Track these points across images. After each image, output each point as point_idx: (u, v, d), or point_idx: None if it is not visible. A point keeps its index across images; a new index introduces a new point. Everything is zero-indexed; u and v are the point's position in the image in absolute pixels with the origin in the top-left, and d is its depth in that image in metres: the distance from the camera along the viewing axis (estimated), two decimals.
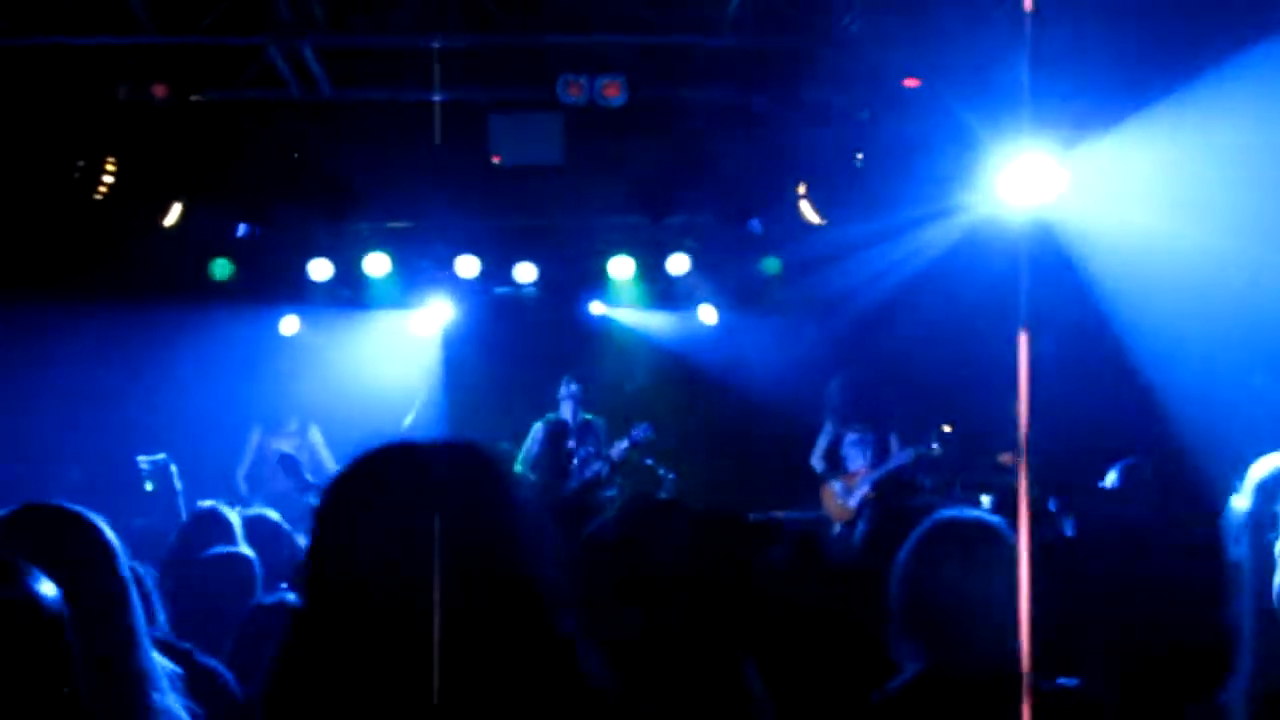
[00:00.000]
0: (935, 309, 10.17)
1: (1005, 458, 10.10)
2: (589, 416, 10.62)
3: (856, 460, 9.91)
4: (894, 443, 9.84)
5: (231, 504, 9.70)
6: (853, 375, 9.94)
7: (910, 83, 8.34)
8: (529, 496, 1.90)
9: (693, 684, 3.71)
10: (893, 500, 8.64)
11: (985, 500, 9.01)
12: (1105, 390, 9.06)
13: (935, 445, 9.87)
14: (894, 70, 8.50)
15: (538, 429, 10.50)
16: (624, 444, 10.12)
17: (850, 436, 9.90)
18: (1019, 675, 2.81)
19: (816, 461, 10.07)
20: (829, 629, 4.45)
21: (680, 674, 3.76)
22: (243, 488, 10.05)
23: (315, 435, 10.30)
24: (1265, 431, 3.72)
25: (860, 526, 7.78)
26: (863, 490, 9.75)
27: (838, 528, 9.44)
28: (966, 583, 2.94)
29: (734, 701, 3.74)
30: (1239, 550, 2.95)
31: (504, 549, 1.77)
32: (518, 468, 10.79)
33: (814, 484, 10.10)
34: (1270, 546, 2.12)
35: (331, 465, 10.16)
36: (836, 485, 9.93)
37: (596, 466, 10.25)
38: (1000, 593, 2.86)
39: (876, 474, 9.75)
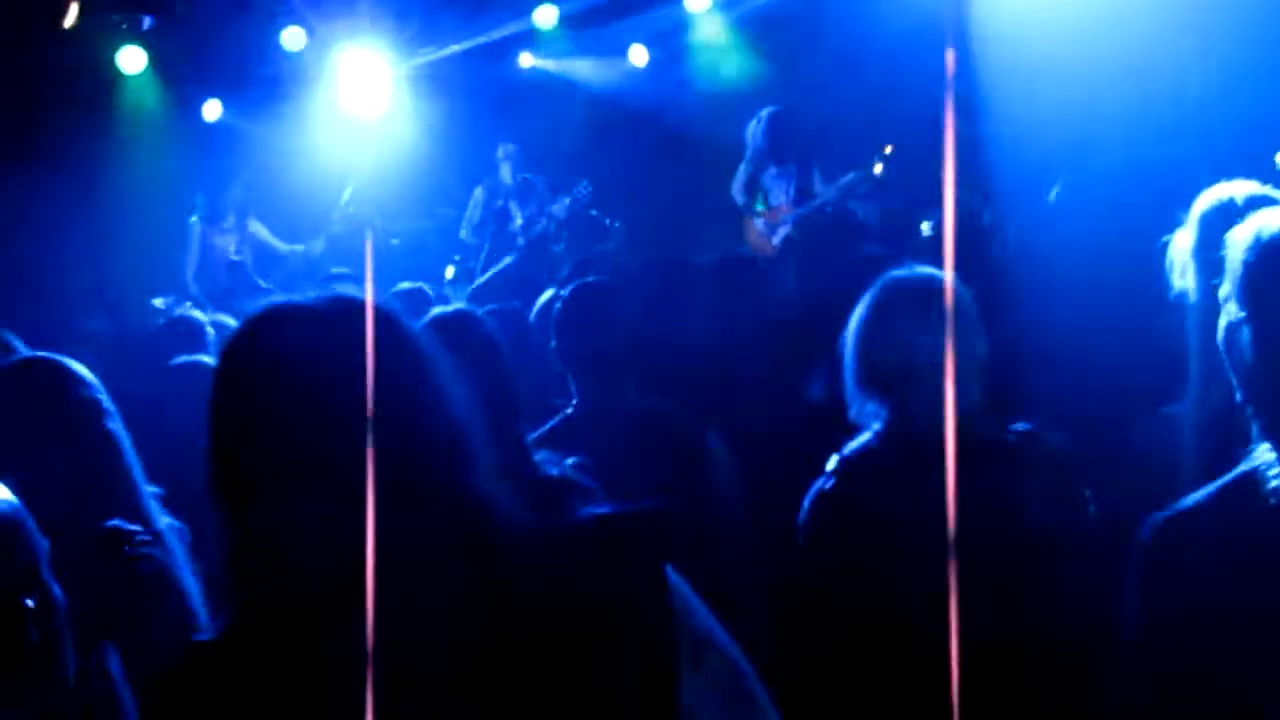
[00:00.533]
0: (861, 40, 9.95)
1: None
2: (527, 176, 10.55)
3: (778, 194, 9.70)
4: (816, 178, 9.63)
5: (181, 303, 9.87)
6: (775, 114, 9.67)
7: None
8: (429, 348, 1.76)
9: (658, 453, 3.83)
10: (817, 244, 8.52)
11: (925, 226, 9.02)
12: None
13: (879, 165, 9.78)
14: None
15: (477, 193, 10.46)
16: (566, 201, 10.13)
17: (771, 170, 9.67)
18: (975, 427, 2.96)
19: (737, 194, 9.84)
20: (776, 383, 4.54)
21: (644, 446, 3.87)
22: (193, 288, 9.87)
23: (257, 228, 10.12)
24: None
25: (788, 270, 7.88)
26: (785, 227, 9.58)
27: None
28: (922, 343, 3.00)
29: (696, 470, 3.85)
30: (1183, 283, 3.01)
31: (416, 416, 1.69)
32: (462, 233, 10.77)
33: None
34: (1215, 289, 2.17)
35: (282, 250, 10.08)
36: (759, 221, 9.75)
37: (541, 224, 10.26)
38: (956, 348, 2.93)
39: (800, 210, 9.53)
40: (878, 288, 3.14)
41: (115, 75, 10.64)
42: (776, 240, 9.56)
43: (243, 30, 10.77)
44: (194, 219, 9.98)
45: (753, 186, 9.79)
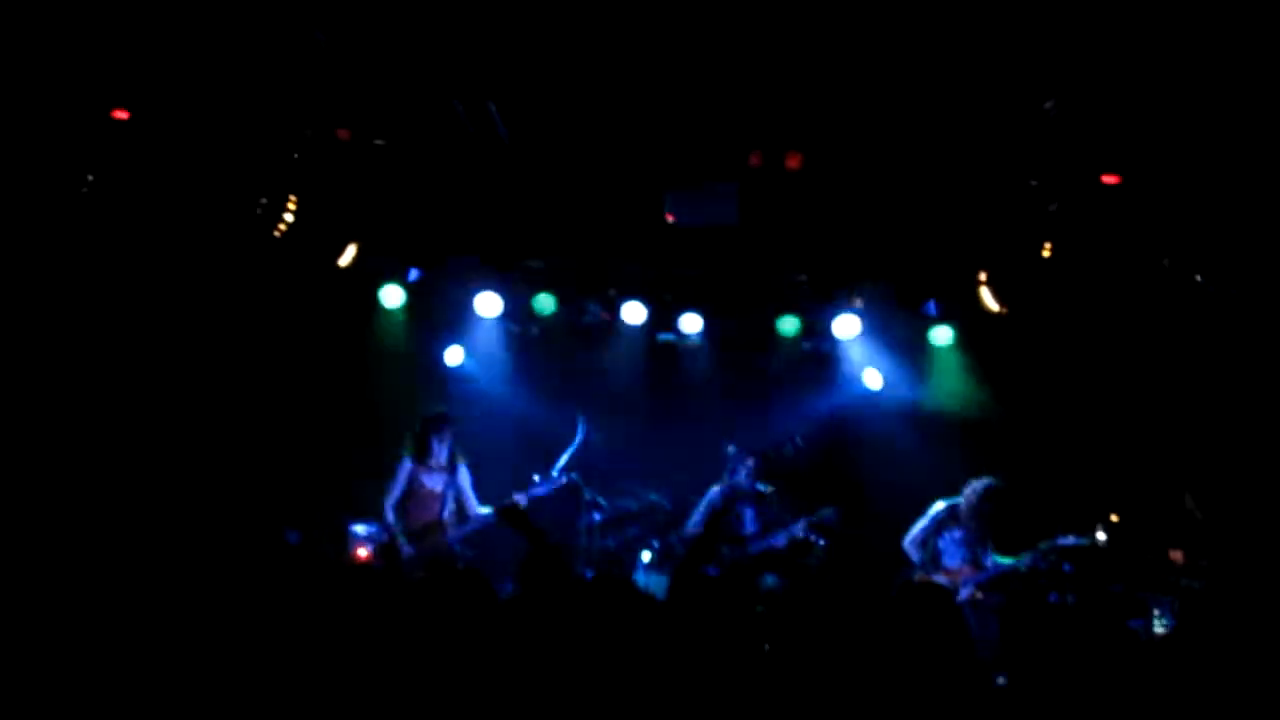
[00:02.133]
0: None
1: (1176, 555, 9.79)
2: (763, 487, 10.49)
3: (954, 557, 9.87)
4: (989, 550, 9.80)
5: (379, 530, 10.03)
6: (993, 489, 9.76)
7: (1109, 179, 7.94)
8: None
9: None
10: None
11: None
12: None
13: (1101, 534, 9.65)
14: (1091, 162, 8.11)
15: (714, 493, 10.45)
16: (804, 523, 10.20)
17: (955, 532, 9.86)
18: None
19: (912, 548, 10.00)
20: None
21: None
22: (389, 516, 10.02)
23: (464, 477, 10.19)
24: None
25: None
26: (967, 592, 9.66)
27: None
28: None
29: None
30: None
31: None
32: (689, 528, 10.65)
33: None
34: None
35: (474, 508, 10.08)
36: (939, 578, 9.79)
37: (780, 537, 10.17)
38: None
39: (981, 576, 9.72)
40: None
41: (375, 309, 11.17)
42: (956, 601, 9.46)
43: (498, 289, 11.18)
44: (406, 455, 10.08)
45: (927, 544, 9.92)
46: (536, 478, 10.11)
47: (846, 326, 11.28)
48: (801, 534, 10.12)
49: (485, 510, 10.01)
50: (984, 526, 9.77)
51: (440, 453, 10.08)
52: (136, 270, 9.79)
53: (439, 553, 9.90)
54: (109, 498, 9.50)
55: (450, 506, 10.07)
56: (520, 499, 9.60)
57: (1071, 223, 8.63)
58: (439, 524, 9.97)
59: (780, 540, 10.14)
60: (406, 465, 10.04)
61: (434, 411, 10.19)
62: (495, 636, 4.59)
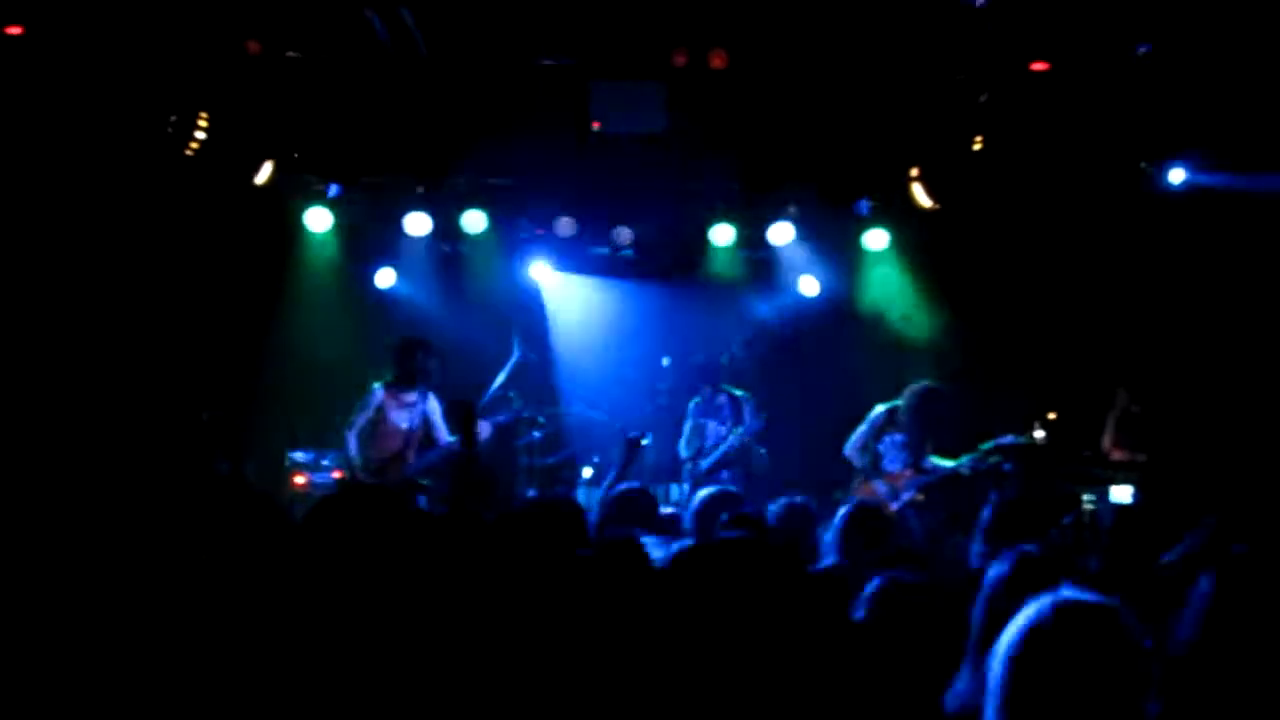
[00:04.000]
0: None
1: (1116, 452, 9.88)
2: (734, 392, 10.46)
3: (895, 460, 9.91)
4: (927, 449, 9.82)
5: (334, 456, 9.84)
6: (930, 391, 9.76)
7: (1038, 66, 7.82)
8: None
9: None
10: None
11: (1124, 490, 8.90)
12: None
13: (1040, 433, 9.71)
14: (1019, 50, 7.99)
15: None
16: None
17: (895, 436, 9.88)
18: None
19: (854, 453, 10.02)
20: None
21: None
22: (351, 444, 9.67)
23: (433, 407, 9.82)
24: None
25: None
26: (908, 494, 9.74)
27: None
28: (1077, 678, 2.67)
29: None
30: None
31: None
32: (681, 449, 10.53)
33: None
34: None
35: (444, 438, 9.77)
36: (880, 484, 9.84)
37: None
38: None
39: (923, 479, 9.75)
40: (1047, 609, 2.79)
41: (299, 233, 10.91)
42: (896, 505, 9.64)
43: (427, 208, 10.95)
44: (378, 383, 9.62)
45: (868, 449, 9.92)
46: (501, 415, 10.00)
47: (781, 233, 11.18)
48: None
49: (453, 438, 9.60)
50: (923, 429, 9.77)
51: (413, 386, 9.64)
52: (43, 197, 9.44)
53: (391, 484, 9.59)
54: (35, 430, 9.27)
55: (415, 439, 9.73)
56: (484, 426, 9.34)
57: (1002, 114, 8.52)
58: (401, 456, 9.61)
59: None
60: (378, 394, 9.51)
61: (416, 337, 9.77)
62: (418, 555, 4.44)
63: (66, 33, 8.11)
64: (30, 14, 8.02)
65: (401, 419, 9.56)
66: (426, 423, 9.70)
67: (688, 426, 10.45)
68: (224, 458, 9.16)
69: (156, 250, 10.06)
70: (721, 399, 10.39)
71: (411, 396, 9.57)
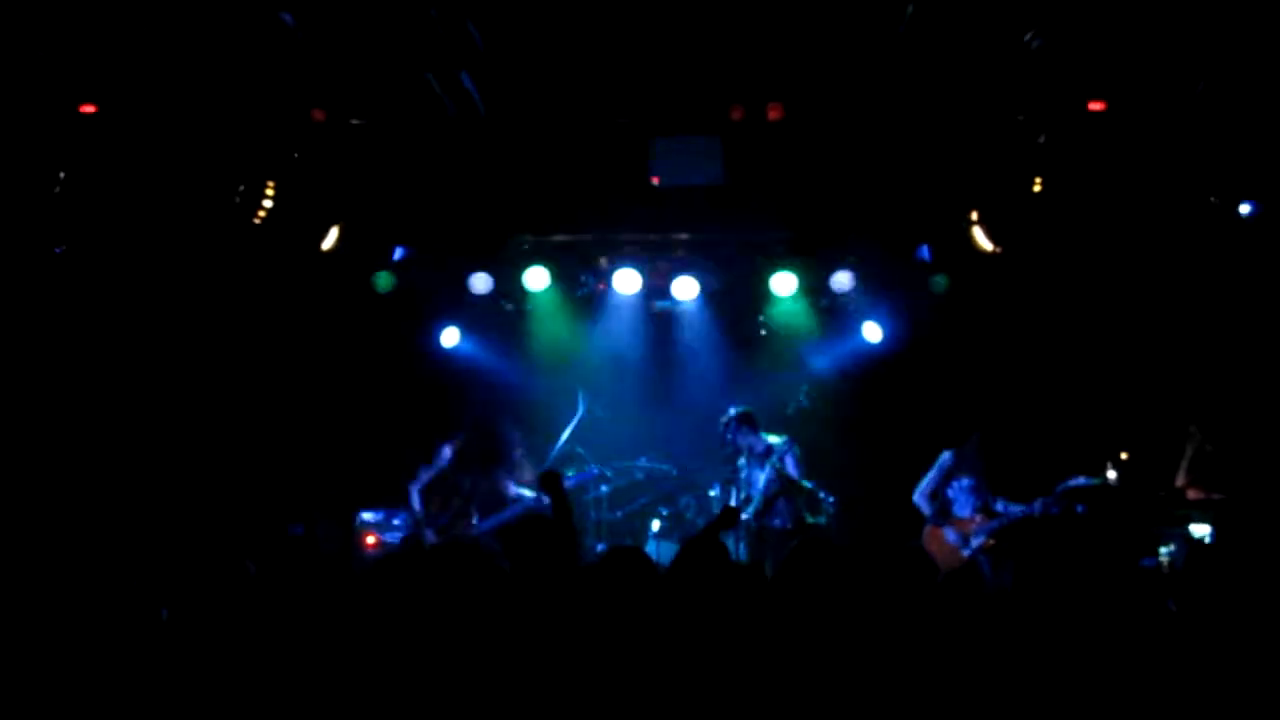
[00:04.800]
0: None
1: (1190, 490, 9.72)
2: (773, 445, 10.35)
3: (964, 506, 9.87)
4: (998, 497, 9.79)
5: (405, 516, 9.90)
6: (1000, 436, 9.79)
7: (1095, 106, 7.79)
8: None
9: None
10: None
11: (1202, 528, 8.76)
12: None
13: (1112, 473, 9.62)
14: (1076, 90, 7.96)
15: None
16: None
17: (964, 481, 9.86)
18: None
19: (922, 500, 10.00)
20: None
21: None
22: (415, 501, 9.75)
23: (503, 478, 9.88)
24: None
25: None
26: (979, 540, 9.68)
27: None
28: None
29: None
30: None
31: None
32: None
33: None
34: None
35: (510, 496, 9.82)
36: (949, 531, 9.83)
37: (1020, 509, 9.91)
38: None
39: (994, 524, 9.69)
40: None
41: (364, 294, 11.07)
42: (967, 552, 9.66)
43: (489, 267, 11.07)
44: (448, 444, 9.74)
45: (938, 496, 9.91)
46: (570, 472, 10.03)
47: (842, 281, 11.16)
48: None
49: (528, 494, 9.67)
50: (989, 473, 9.68)
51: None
52: (118, 269, 9.67)
53: (464, 542, 9.62)
54: (108, 499, 9.43)
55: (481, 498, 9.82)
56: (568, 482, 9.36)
57: (1061, 154, 8.48)
58: (465, 513, 9.71)
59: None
60: (445, 453, 9.72)
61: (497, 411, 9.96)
62: (503, 613, 4.48)
63: (137, 109, 8.32)
64: (102, 92, 8.25)
65: (465, 481, 9.67)
66: (495, 483, 9.78)
67: (742, 477, 10.36)
68: (298, 520, 9.27)
69: (228, 317, 10.24)
70: (760, 446, 10.28)
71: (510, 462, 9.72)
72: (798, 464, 10.11)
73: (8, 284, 9.32)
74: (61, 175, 8.42)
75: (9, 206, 8.64)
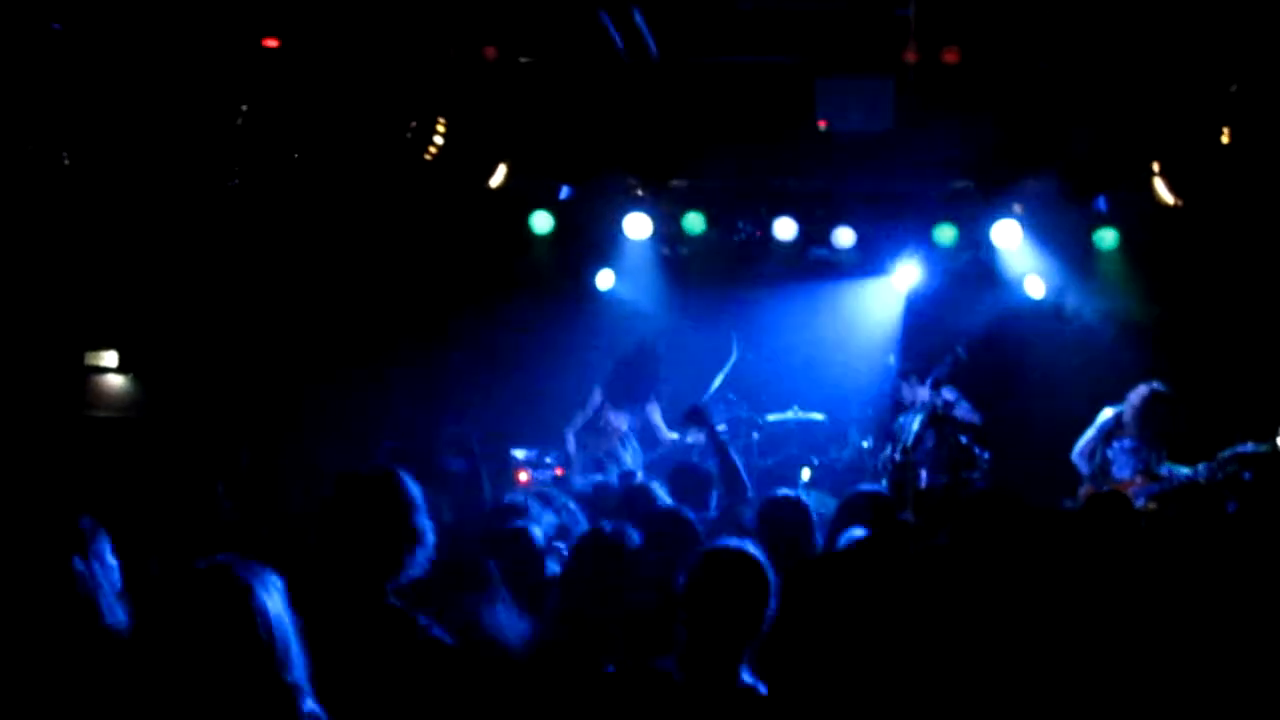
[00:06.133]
0: None
1: None
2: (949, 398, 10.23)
3: (1124, 467, 9.50)
4: (1162, 459, 9.37)
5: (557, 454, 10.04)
6: (1159, 394, 9.34)
7: None
8: None
9: None
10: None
11: None
12: None
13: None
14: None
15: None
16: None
17: (1125, 442, 9.50)
18: None
19: (1080, 460, 9.69)
20: None
21: None
22: (570, 444, 9.94)
23: (654, 410, 10.01)
24: None
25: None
26: (1139, 503, 9.15)
27: None
28: None
29: None
30: None
31: None
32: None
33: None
34: None
35: (664, 438, 9.95)
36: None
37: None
38: None
39: (1156, 487, 9.25)
40: None
41: (526, 235, 11.18)
42: None
43: (648, 210, 11.06)
44: (599, 384, 9.99)
45: (1095, 455, 9.59)
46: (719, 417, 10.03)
47: (1007, 234, 10.91)
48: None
49: (673, 435, 9.82)
50: (1153, 433, 9.38)
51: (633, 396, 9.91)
52: (292, 200, 9.91)
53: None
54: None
55: (633, 441, 9.94)
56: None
57: (1253, 104, 8.13)
58: (616, 455, 9.82)
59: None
60: (597, 395, 9.90)
61: (647, 350, 10.05)
62: None
63: (317, 44, 8.47)
64: (284, 27, 8.41)
65: (620, 420, 9.75)
66: (647, 426, 9.87)
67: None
68: (459, 455, 9.41)
69: (395, 252, 10.42)
70: (923, 395, 10.12)
71: (632, 402, 9.77)
72: (972, 410, 10.01)
73: (185, 216, 9.61)
74: (243, 108, 8.62)
75: (193, 140, 8.88)
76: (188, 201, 9.84)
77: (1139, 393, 9.49)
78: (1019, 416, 10.88)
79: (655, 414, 10.02)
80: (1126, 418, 9.51)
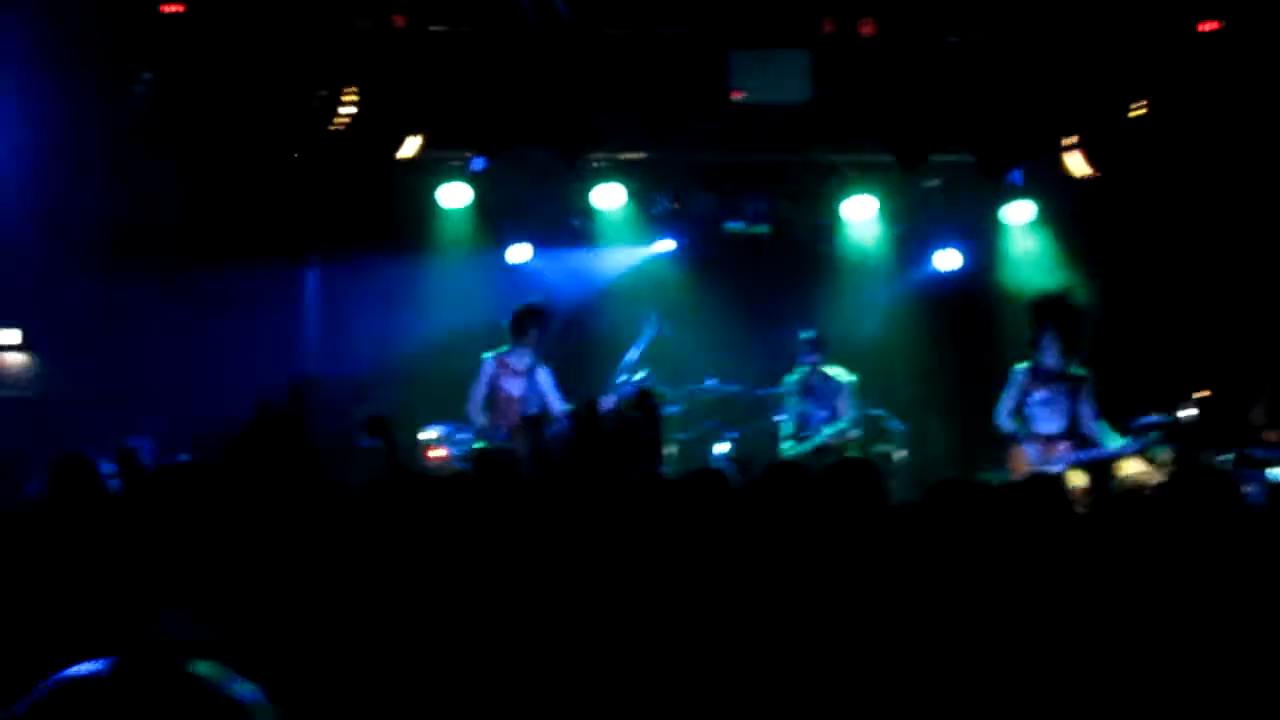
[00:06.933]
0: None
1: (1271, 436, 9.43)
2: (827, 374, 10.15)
3: (1048, 422, 9.13)
4: (1086, 408, 9.04)
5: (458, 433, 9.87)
6: (1058, 299, 9.11)
7: (1207, 26, 7.50)
8: None
9: None
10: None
11: None
12: None
13: (1188, 411, 9.23)
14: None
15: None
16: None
17: (1040, 394, 9.09)
18: None
19: (1006, 420, 9.27)
20: None
21: None
22: (477, 420, 9.75)
23: (544, 378, 9.89)
24: None
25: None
26: (1060, 466, 8.85)
27: None
28: None
29: None
30: None
31: None
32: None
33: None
34: None
35: (557, 407, 9.84)
36: (1031, 448, 9.14)
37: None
38: None
39: (1079, 456, 8.90)
40: None
41: (435, 208, 10.96)
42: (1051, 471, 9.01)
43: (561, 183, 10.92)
44: (487, 354, 9.82)
45: (1019, 413, 9.27)
46: (621, 379, 9.89)
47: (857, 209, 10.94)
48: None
49: (568, 407, 9.65)
50: (1061, 339, 8.98)
51: (522, 355, 9.71)
52: (195, 170, 9.60)
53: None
54: None
55: (530, 411, 9.78)
56: (608, 401, 9.27)
57: (1167, 77, 8.19)
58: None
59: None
60: (489, 365, 9.69)
61: (530, 305, 9.81)
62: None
63: (221, 8, 8.21)
64: None
65: (514, 387, 9.62)
66: (541, 396, 9.72)
67: (790, 406, 10.18)
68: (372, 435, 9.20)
69: (300, 224, 10.15)
70: (816, 379, 10.06)
71: (523, 365, 9.61)
72: (852, 401, 9.95)
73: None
74: (144, 76, 8.33)
75: (96, 106, 8.56)
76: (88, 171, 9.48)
77: (1033, 303, 9.25)
78: (938, 391, 10.96)
79: (547, 382, 9.79)
80: (1038, 370, 9.28)
